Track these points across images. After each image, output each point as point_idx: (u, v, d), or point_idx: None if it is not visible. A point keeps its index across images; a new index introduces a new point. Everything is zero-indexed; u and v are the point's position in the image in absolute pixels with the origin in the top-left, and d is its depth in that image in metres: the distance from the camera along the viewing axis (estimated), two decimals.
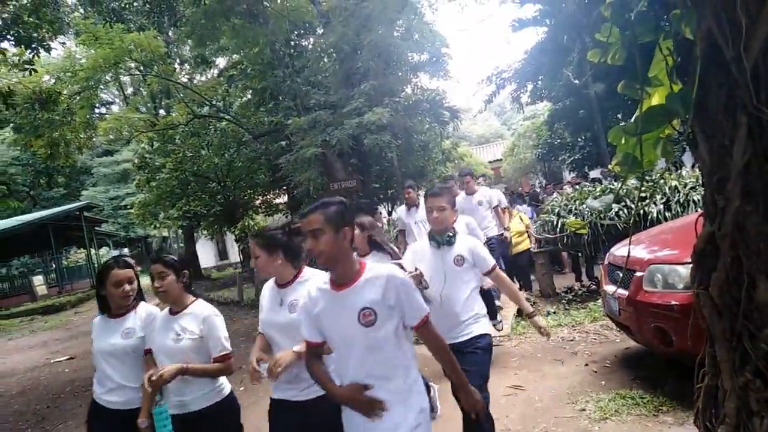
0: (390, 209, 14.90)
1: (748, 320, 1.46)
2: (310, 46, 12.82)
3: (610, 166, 1.84)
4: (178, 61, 18.17)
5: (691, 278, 1.65)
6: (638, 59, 1.57)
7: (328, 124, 9.39)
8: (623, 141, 1.76)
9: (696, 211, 5.50)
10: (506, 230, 6.70)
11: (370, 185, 12.43)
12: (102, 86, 14.82)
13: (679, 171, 6.12)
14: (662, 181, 6.02)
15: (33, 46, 8.02)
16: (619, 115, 13.96)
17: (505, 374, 4.67)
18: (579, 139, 16.57)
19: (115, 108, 22.90)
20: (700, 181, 5.91)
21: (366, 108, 8.89)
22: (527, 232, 7.80)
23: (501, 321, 5.95)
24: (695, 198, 5.70)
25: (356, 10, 9.26)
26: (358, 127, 8.81)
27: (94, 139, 17.22)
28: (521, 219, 7.98)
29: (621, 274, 3.89)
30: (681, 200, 5.79)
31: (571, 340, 5.27)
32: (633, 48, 1.59)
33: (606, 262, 4.40)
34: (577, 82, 8.74)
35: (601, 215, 5.33)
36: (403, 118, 10.10)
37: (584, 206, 6.37)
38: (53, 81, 13.27)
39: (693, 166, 7.14)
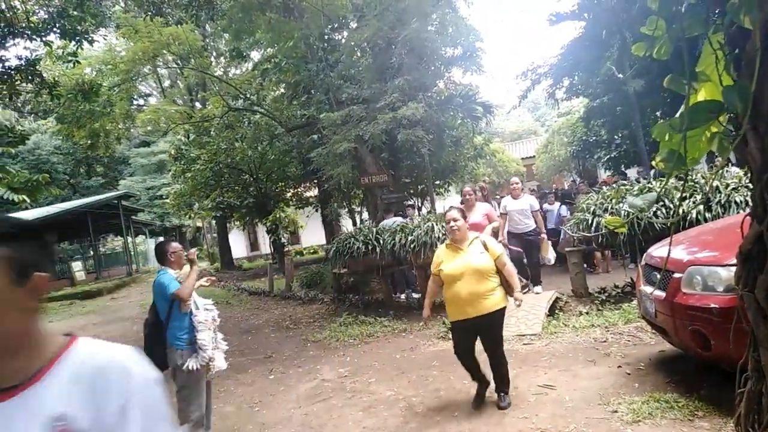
0: (420, 204, 14.86)
1: None
2: (344, 41, 12.85)
3: (653, 163, 1.79)
4: (214, 54, 18.51)
5: (736, 279, 1.60)
6: (685, 53, 1.52)
7: (361, 119, 9.42)
8: (667, 137, 1.71)
9: (738, 212, 5.31)
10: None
11: (401, 180, 12.43)
12: (140, 78, 15.23)
13: (721, 171, 5.91)
14: (703, 180, 5.84)
15: (77, 38, 8.27)
16: (658, 113, 13.57)
17: (535, 373, 4.63)
18: (616, 137, 16.20)
19: (152, 100, 23.45)
20: (743, 182, 5.73)
21: (400, 103, 8.88)
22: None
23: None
24: (737, 199, 5.50)
25: (391, 4, 9.23)
26: (392, 122, 8.82)
27: (132, 130, 17.75)
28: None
29: (658, 276, 3.80)
30: (722, 201, 5.60)
31: (604, 341, 5.18)
32: (681, 41, 1.54)
33: (643, 262, 4.31)
34: (621, 76, 8.52)
35: (644, 213, 5.21)
36: (436, 113, 10.06)
37: (622, 205, 6.24)
38: (94, 73, 13.68)
39: (741, 166, 6.90)
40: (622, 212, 6.14)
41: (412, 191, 15.03)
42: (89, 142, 13.41)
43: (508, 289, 3.96)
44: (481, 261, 3.89)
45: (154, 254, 4.11)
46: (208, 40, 17.59)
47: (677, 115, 1.66)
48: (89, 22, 9.13)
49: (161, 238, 32.49)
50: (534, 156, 26.59)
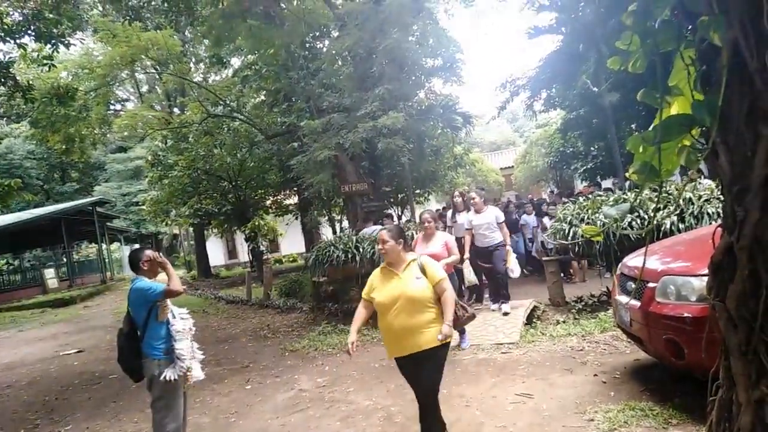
0: (400, 213, 14.90)
1: (764, 333, 1.44)
2: (325, 49, 12.89)
3: (627, 174, 1.82)
4: (193, 60, 18.37)
5: (708, 290, 1.63)
6: (659, 68, 1.56)
7: (342, 127, 9.43)
8: (641, 149, 1.75)
9: (710, 223, 5.44)
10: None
11: (381, 189, 12.45)
12: (118, 83, 15.04)
13: (694, 182, 6.06)
14: (676, 192, 5.97)
15: (53, 41, 8.13)
16: (633, 126, 13.87)
17: (512, 382, 4.66)
18: (592, 149, 16.49)
19: (130, 105, 23.18)
20: (715, 194, 5.88)
21: (380, 112, 8.92)
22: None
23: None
24: (710, 210, 5.64)
25: (372, 15, 9.29)
26: (372, 131, 8.84)
27: (108, 135, 17.47)
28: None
29: (633, 285, 3.86)
30: (695, 212, 5.73)
31: (581, 350, 5.23)
32: (654, 56, 1.58)
33: (618, 272, 4.37)
34: (596, 90, 8.69)
35: (617, 223, 5.30)
36: (416, 123, 10.12)
37: (598, 215, 6.35)
38: (70, 77, 13.47)
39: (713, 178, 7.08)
40: (598, 222, 6.24)
41: (392, 200, 15.07)
42: (64, 147, 13.14)
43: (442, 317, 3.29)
44: (417, 288, 3.26)
45: (128, 262, 4.04)
46: (187, 46, 17.45)
47: (651, 128, 1.70)
48: (66, 25, 8.99)
49: (137, 246, 31.96)
50: (513, 166, 26.93)
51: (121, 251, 30.76)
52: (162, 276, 3.84)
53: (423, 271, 3.34)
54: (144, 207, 21.01)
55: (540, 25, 12.12)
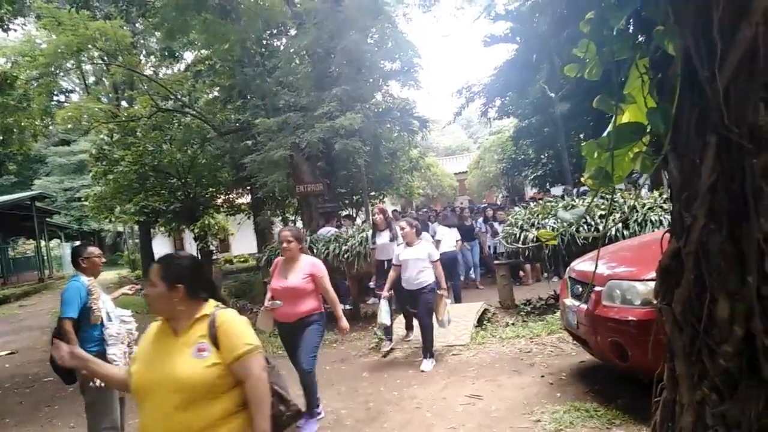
0: (355, 214, 14.86)
1: (707, 336, 1.49)
2: (283, 47, 12.71)
3: (582, 179, 1.86)
4: (144, 52, 17.73)
5: (655, 293, 1.68)
6: (614, 76, 1.59)
7: (298, 127, 9.31)
8: (595, 155, 1.79)
9: (653, 230, 5.68)
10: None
11: (336, 190, 12.38)
12: (62, 73, 14.33)
13: (637, 191, 6.33)
14: (622, 200, 6.20)
15: None
16: (582, 135, 14.37)
17: (462, 383, 4.70)
18: (542, 156, 16.98)
19: (75, 97, 22.11)
20: (657, 203, 6.15)
21: (338, 112, 8.86)
22: None
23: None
24: (652, 218, 5.90)
25: (331, 14, 9.23)
26: (329, 131, 8.77)
27: (50, 127, 16.62)
28: None
29: (581, 288, 3.97)
30: (639, 220, 5.98)
31: (529, 352, 5.34)
32: (609, 64, 1.62)
33: (566, 276, 4.49)
34: (553, 95, 8.93)
35: (572, 227, 5.45)
36: (373, 125, 10.11)
37: (548, 220, 6.51)
38: (9, 64, 12.73)
39: (651, 189, 7.40)
40: (548, 227, 6.41)
41: (347, 201, 15.00)
42: (1, 137, 12.41)
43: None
44: (191, 369, 1.85)
45: (70, 259, 3.82)
46: (138, 38, 16.82)
47: (605, 134, 1.74)
48: (5, 9, 8.50)
49: (77, 243, 30.59)
50: (466, 171, 27.35)
51: (62, 248, 29.34)
52: (107, 276, 3.66)
53: (215, 337, 1.90)
54: (87, 203, 20.08)
55: (496, 33, 12.40)
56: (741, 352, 1.42)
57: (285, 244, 4.19)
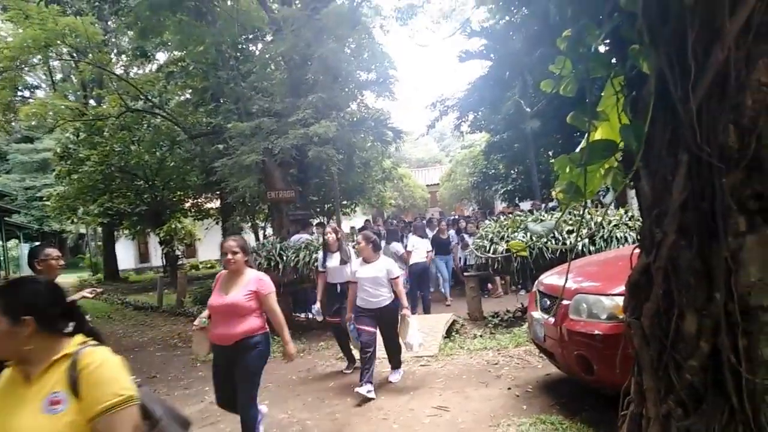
0: (327, 222, 14.78)
1: (674, 351, 1.52)
2: (258, 52, 12.62)
3: (554, 193, 1.89)
4: (115, 51, 17.37)
5: (624, 307, 1.71)
6: (589, 93, 1.63)
7: (272, 132, 9.21)
8: (568, 170, 1.81)
9: (618, 247, 5.82)
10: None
11: (308, 198, 12.29)
12: (28, 68, 13.93)
13: (605, 208, 6.48)
14: (589, 216, 6.34)
15: None
16: (551, 152, 14.68)
17: (430, 395, 4.69)
18: (512, 171, 17.28)
19: (40, 93, 21.47)
20: (623, 220, 6.31)
21: (312, 120, 8.81)
22: None
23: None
24: (618, 235, 6.04)
25: (308, 22, 9.22)
26: (303, 138, 8.71)
27: (13, 123, 16.07)
28: None
29: (549, 302, 4.02)
30: (605, 236, 6.11)
31: (496, 364, 5.37)
32: (585, 82, 1.65)
33: (534, 289, 4.54)
34: (528, 109, 9.09)
35: (541, 239, 5.52)
36: (348, 134, 10.11)
37: (517, 234, 6.60)
38: None
39: (618, 207, 7.59)
40: (518, 240, 6.50)
41: (319, 209, 14.91)
42: None
43: None
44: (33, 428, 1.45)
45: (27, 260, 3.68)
46: (109, 36, 16.47)
47: (578, 149, 1.77)
48: None
49: (37, 243, 29.51)
50: (438, 183, 27.59)
51: (20, 249, 28.23)
52: (67, 280, 3.53)
53: (75, 384, 1.50)
54: (49, 203, 19.45)
55: (471, 49, 12.60)
56: (707, 367, 1.46)
57: (229, 256, 3.67)
